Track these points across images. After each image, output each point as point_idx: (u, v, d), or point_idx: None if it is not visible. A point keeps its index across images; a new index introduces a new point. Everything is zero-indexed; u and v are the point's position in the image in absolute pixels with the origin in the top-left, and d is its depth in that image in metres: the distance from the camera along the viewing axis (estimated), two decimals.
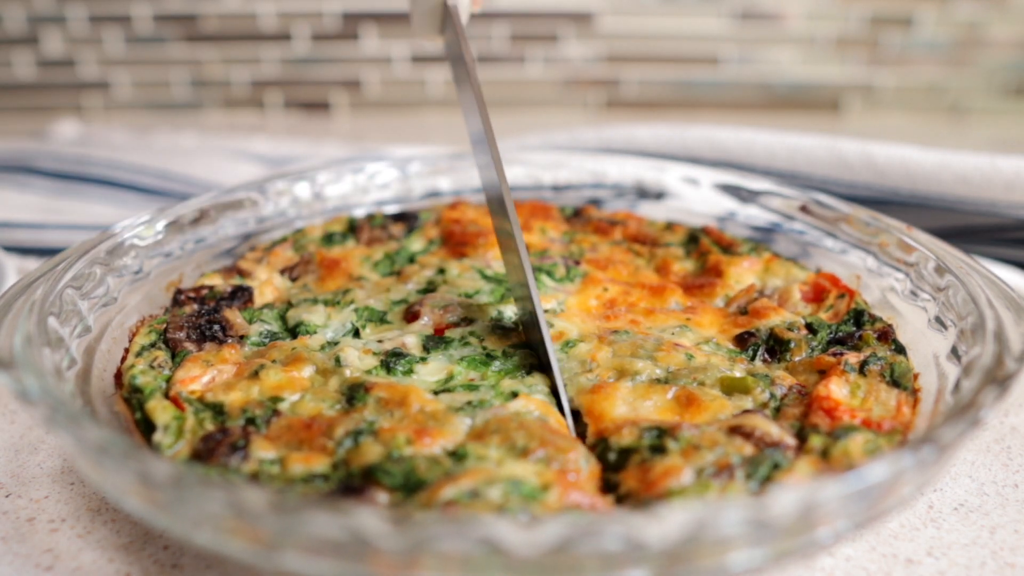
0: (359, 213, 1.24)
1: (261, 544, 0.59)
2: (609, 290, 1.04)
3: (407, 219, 1.23)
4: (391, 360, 0.87)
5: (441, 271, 1.07)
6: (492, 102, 2.31)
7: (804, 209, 1.14)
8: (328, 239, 1.17)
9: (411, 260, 1.14)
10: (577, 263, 1.11)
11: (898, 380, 0.84)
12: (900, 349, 0.90)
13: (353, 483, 0.69)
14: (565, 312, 0.99)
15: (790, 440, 0.75)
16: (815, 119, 2.28)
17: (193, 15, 2.17)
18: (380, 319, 0.97)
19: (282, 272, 1.09)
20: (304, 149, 1.80)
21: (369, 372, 0.86)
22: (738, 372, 0.86)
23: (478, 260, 1.11)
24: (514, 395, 0.82)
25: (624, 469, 0.73)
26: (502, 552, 0.55)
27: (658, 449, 0.73)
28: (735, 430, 0.75)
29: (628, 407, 0.81)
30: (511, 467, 0.69)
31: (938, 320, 0.90)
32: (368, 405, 0.79)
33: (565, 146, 1.51)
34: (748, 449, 0.73)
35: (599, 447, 0.76)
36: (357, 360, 0.87)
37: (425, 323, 0.95)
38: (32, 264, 1.30)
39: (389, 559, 0.56)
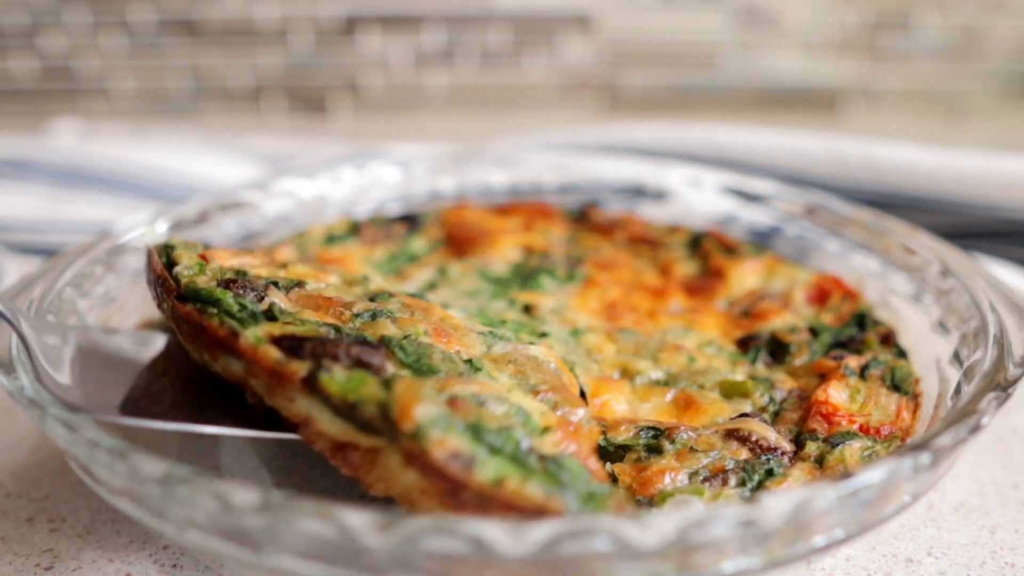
0: (361, 213, 1.24)
1: (248, 544, 0.58)
2: (611, 291, 1.03)
3: (409, 219, 1.22)
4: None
5: (442, 271, 1.07)
6: (492, 102, 2.31)
7: (806, 211, 1.14)
8: (330, 239, 1.17)
9: (413, 260, 1.14)
10: (579, 264, 1.11)
11: (899, 384, 0.84)
12: (902, 353, 0.90)
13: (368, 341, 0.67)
14: (569, 310, 0.99)
15: (786, 445, 0.75)
16: (815, 119, 2.28)
17: (193, 16, 2.17)
18: None
19: None
20: (304, 150, 1.80)
21: None
22: (739, 375, 0.86)
23: (480, 260, 1.11)
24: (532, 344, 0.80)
25: (620, 462, 0.73)
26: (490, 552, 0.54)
27: (654, 449, 0.73)
28: (731, 434, 0.75)
29: (628, 406, 0.81)
30: (519, 397, 0.67)
31: (941, 324, 0.89)
32: (390, 303, 0.78)
33: (565, 146, 1.51)
34: (744, 454, 0.73)
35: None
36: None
37: None
38: (32, 264, 1.30)
39: (377, 559, 0.56)
